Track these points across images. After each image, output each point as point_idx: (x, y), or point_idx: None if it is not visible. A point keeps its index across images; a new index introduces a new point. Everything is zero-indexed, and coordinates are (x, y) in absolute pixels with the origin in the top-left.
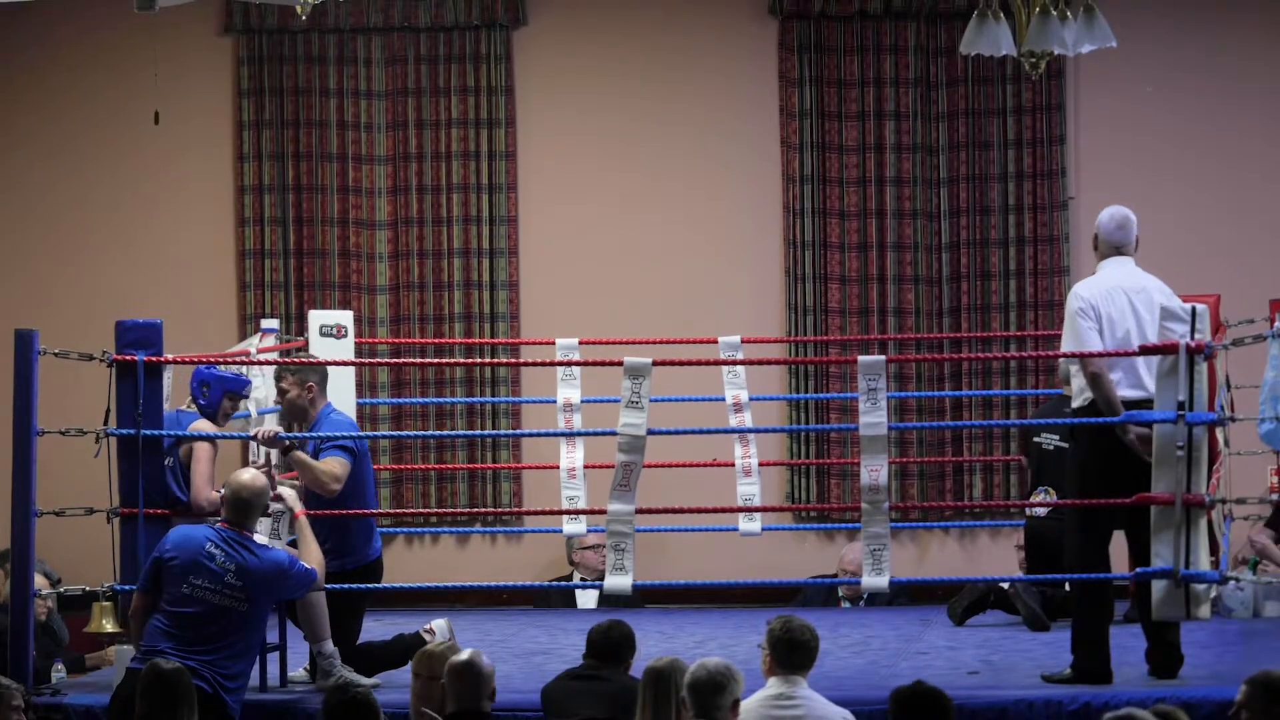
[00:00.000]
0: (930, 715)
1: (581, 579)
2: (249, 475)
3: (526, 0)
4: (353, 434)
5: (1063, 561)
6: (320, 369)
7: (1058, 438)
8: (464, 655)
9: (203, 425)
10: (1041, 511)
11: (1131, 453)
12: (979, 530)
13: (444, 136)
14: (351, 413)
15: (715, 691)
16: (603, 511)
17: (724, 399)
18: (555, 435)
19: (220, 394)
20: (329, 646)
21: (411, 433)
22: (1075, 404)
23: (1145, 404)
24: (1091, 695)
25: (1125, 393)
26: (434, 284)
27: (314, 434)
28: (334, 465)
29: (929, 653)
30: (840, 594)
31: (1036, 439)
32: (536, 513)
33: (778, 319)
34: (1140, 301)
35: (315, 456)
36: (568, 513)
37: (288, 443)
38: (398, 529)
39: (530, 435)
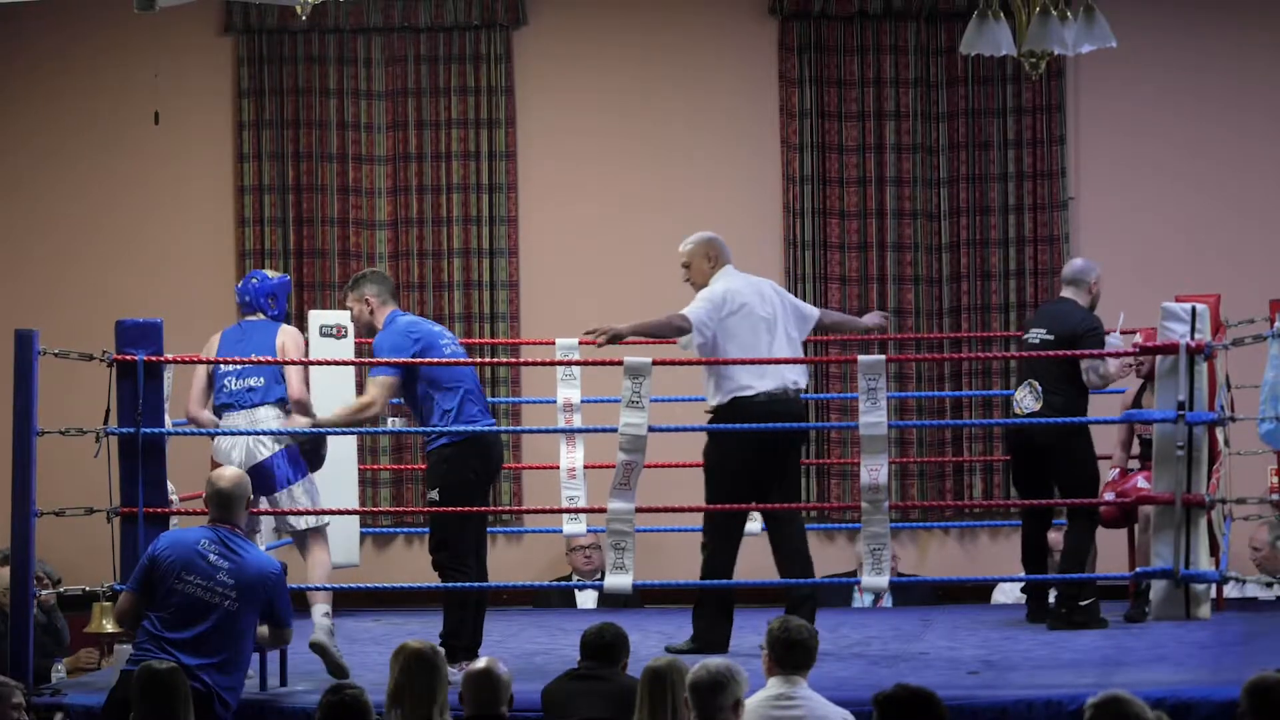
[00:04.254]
0: (917, 716)
1: (578, 580)
2: (230, 472)
3: (526, 0)
4: (402, 342)
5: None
6: (377, 276)
7: (1044, 331)
8: (481, 662)
9: (294, 332)
10: (1030, 406)
11: (764, 454)
12: (979, 530)
13: (444, 136)
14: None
15: (717, 691)
16: (602, 510)
17: None
18: (555, 432)
19: (284, 297)
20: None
21: (412, 428)
22: (712, 404)
23: (781, 394)
24: (1092, 695)
25: (756, 383)
26: (434, 284)
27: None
28: (361, 400)
29: (929, 653)
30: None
31: (1026, 335)
32: (537, 511)
33: None
34: (765, 289)
35: None
36: (568, 511)
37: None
38: (398, 529)
39: (530, 432)
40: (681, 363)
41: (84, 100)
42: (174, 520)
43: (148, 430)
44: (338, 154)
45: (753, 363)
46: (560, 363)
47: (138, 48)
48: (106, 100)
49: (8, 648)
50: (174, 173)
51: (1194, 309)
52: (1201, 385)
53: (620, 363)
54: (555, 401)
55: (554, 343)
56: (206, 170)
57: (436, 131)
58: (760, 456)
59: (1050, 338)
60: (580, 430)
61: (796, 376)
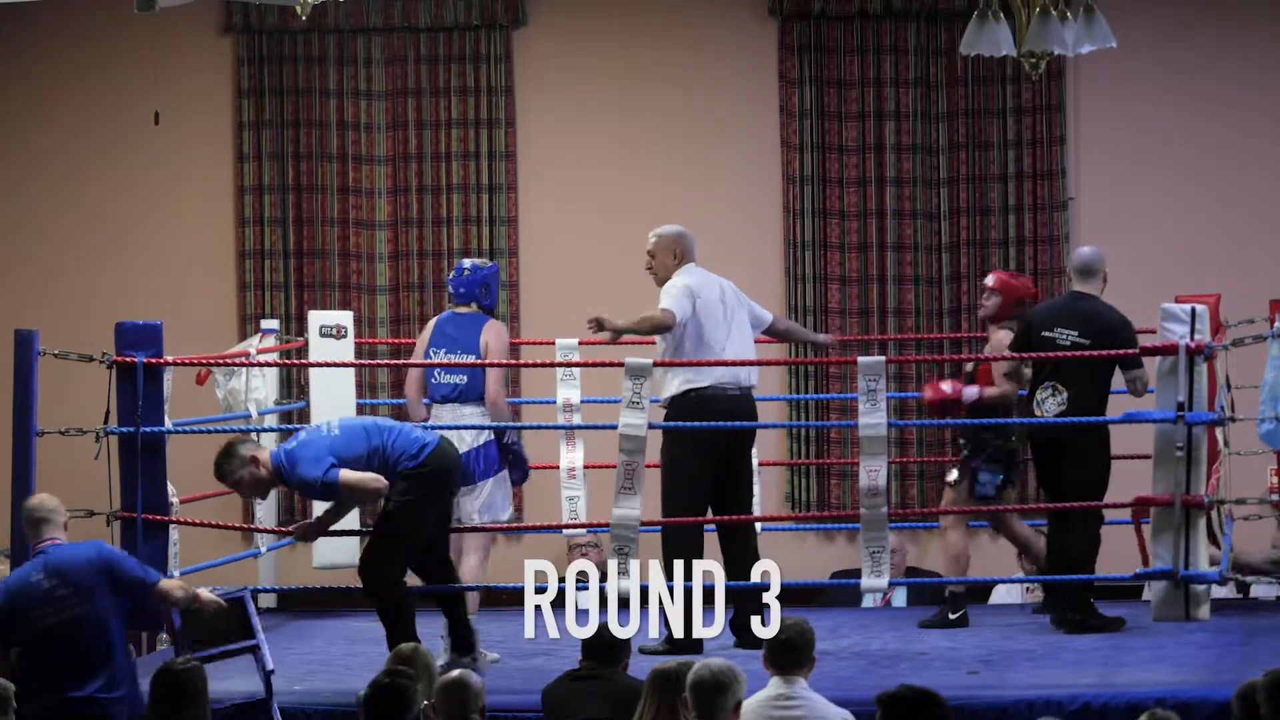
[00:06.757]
0: (921, 717)
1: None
2: (42, 496)
3: (526, 0)
4: (319, 454)
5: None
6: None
7: (1076, 334)
8: (454, 673)
9: (499, 329)
10: (1051, 410)
11: (713, 445)
12: (979, 530)
13: (444, 137)
14: (352, 412)
15: (717, 692)
16: (605, 525)
17: None
18: (554, 428)
19: (496, 284)
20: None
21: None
22: (665, 396)
23: (733, 386)
24: (1092, 695)
25: (708, 375)
26: (434, 284)
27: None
28: (355, 487)
29: (929, 653)
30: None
31: (1047, 334)
32: (536, 527)
33: None
34: (725, 286)
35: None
36: (569, 526)
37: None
38: None
39: (529, 428)
40: (682, 363)
41: (84, 100)
42: (173, 526)
43: (148, 431)
44: (338, 154)
45: (727, 364)
46: (560, 364)
47: (138, 48)
48: (106, 100)
49: None
50: (174, 173)
51: (1194, 309)
52: (1201, 385)
53: (620, 364)
54: (555, 402)
55: (554, 343)
56: (206, 170)
57: (436, 131)
58: (710, 447)
59: (1085, 341)
60: (580, 427)
61: (749, 374)
